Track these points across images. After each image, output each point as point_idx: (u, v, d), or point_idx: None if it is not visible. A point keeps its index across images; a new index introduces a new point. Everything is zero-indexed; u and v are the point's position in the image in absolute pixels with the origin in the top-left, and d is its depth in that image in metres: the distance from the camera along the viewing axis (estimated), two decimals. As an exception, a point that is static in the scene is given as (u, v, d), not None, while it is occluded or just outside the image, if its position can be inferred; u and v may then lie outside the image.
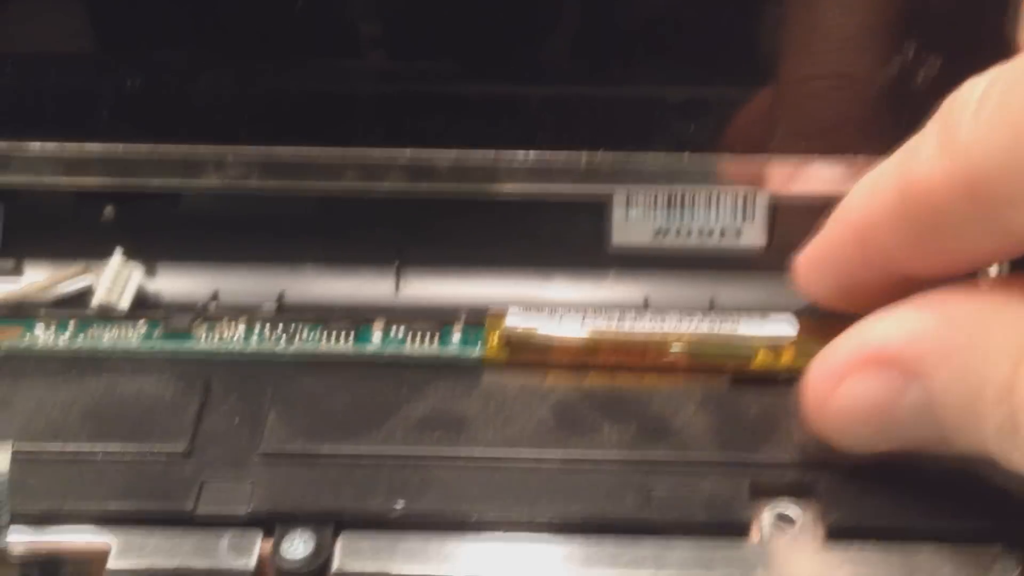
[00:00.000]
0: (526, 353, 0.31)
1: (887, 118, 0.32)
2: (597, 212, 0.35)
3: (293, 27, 0.32)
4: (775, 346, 0.30)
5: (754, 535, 0.26)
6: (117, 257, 0.33)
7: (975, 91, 0.22)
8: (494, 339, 0.31)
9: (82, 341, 0.32)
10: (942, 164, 0.23)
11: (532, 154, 0.33)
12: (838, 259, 0.27)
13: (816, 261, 0.28)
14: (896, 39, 0.31)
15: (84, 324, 0.32)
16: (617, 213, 0.35)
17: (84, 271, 0.33)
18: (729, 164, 0.33)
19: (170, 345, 0.31)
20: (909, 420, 0.24)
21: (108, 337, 0.32)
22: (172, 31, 0.32)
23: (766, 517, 0.26)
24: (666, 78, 0.33)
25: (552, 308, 0.32)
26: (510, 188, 0.33)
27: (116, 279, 0.33)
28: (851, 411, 0.25)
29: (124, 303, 0.32)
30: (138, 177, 0.33)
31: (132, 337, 0.32)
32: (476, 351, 0.31)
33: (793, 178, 0.33)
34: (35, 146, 0.33)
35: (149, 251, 0.34)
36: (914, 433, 0.25)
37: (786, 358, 0.30)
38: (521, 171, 0.33)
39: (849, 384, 0.25)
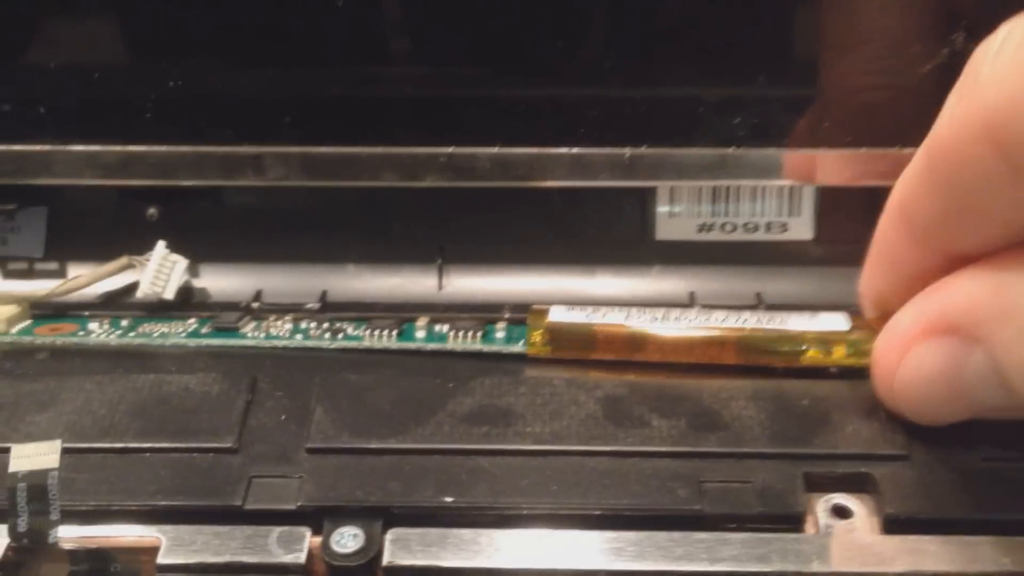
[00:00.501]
0: (570, 348, 0.30)
1: (932, 109, 0.31)
2: (640, 208, 0.35)
3: (338, 31, 0.32)
4: (826, 341, 0.29)
5: (809, 527, 0.25)
6: (161, 247, 0.33)
7: (996, 40, 0.22)
8: (537, 334, 0.30)
9: (132, 338, 0.32)
10: (960, 111, 0.22)
11: (575, 151, 0.32)
12: (890, 248, 0.26)
13: (873, 258, 0.27)
14: (939, 29, 0.31)
15: (136, 322, 0.33)
16: (661, 208, 0.35)
17: (128, 264, 0.33)
18: (773, 158, 0.33)
19: (217, 341, 0.32)
20: (977, 385, 0.24)
21: (157, 333, 0.32)
22: (213, 36, 0.33)
23: (821, 509, 0.25)
24: (709, 75, 0.32)
25: (596, 304, 0.31)
26: (553, 185, 0.33)
27: (160, 268, 0.33)
28: (918, 381, 0.25)
29: (169, 293, 0.33)
30: (179, 178, 0.33)
31: (180, 333, 0.32)
32: (520, 346, 0.31)
33: (840, 171, 0.33)
34: (78, 149, 0.33)
35: (192, 252, 0.34)
36: (983, 399, 0.24)
37: (837, 354, 0.29)
38: (564, 168, 0.33)
39: (914, 354, 0.25)
